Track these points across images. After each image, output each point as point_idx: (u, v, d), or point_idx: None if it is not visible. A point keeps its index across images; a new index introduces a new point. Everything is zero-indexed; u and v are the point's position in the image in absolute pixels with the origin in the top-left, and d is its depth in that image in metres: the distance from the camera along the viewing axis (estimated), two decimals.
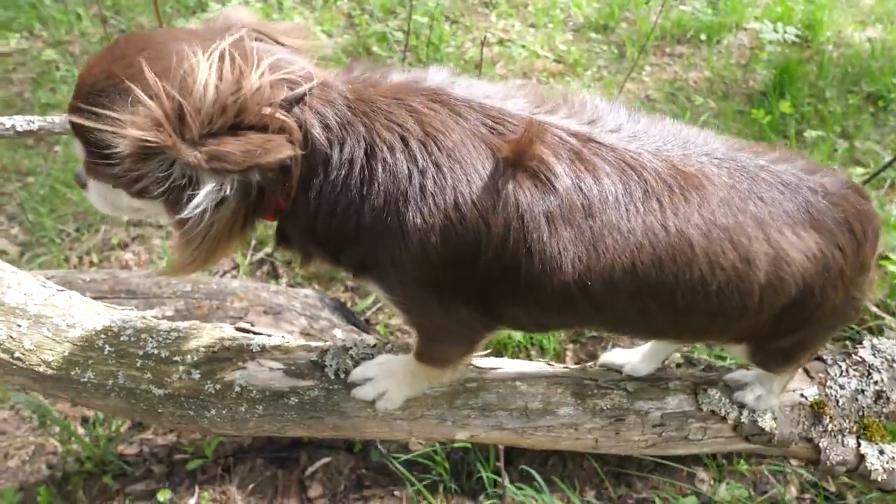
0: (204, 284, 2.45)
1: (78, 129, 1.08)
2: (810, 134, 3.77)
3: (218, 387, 1.46)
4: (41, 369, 1.40)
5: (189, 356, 1.49)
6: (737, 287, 1.20)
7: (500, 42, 4.32)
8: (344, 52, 4.18)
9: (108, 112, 1.02)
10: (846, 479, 2.26)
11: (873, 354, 1.89)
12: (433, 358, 1.46)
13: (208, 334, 1.54)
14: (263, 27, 1.18)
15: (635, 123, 1.21)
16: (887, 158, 3.70)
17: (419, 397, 1.58)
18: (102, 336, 1.46)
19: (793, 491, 2.32)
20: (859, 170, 3.56)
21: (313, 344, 1.57)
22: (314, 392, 1.51)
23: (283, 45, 1.18)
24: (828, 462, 1.79)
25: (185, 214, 1.02)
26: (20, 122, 1.80)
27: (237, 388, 1.46)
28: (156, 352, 1.47)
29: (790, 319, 1.32)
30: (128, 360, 1.46)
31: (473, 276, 1.16)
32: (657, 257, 1.14)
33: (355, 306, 2.87)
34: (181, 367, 1.47)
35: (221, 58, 1.01)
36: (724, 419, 1.75)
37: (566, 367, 1.77)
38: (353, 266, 1.24)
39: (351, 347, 1.57)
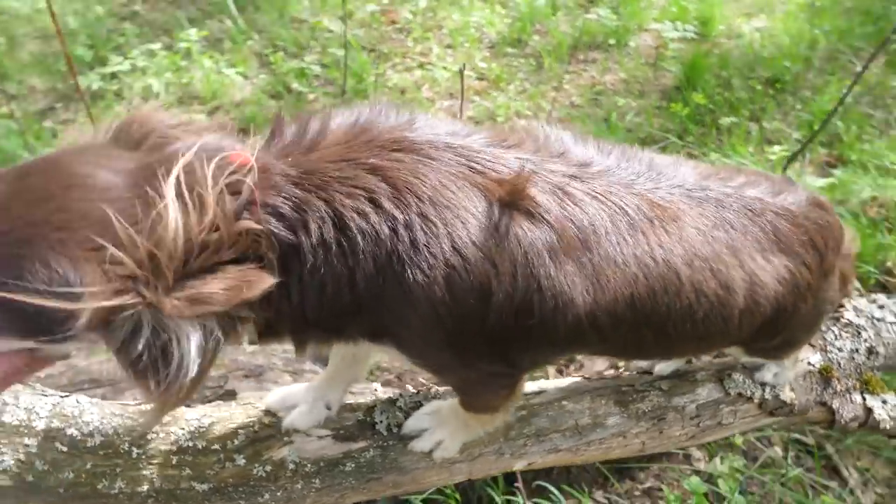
0: None
1: None
2: (724, 121, 4.03)
3: (268, 468, 1.32)
4: (61, 490, 1.20)
5: (228, 441, 1.33)
6: (720, 313, 1.22)
7: (421, 66, 4.32)
8: (263, 92, 4.02)
9: (41, 286, 0.81)
10: (822, 431, 2.41)
11: (857, 315, 2.03)
12: (477, 407, 1.40)
13: (242, 412, 1.38)
14: (184, 126, 1.03)
15: (606, 157, 1.19)
16: (795, 135, 4.04)
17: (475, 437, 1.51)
18: (126, 438, 1.28)
19: (778, 451, 2.42)
20: (776, 148, 3.83)
21: (355, 402, 1.46)
22: (369, 453, 1.40)
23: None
24: (842, 420, 1.89)
25: (172, 377, 0.86)
26: None
27: (290, 465, 1.32)
28: (190, 444, 1.30)
29: (766, 331, 1.39)
30: (160, 459, 1.28)
31: (486, 323, 1.08)
32: (651, 288, 1.14)
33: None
34: (223, 455, 1.31)
35: (179, 192, 0.87)
36: (750, 399, 1.81)
37: (602, 378, 1.75)
38: (364, 335, 1.12)
39: (397, 399, 1.47)
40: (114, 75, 3.65)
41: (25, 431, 1.22)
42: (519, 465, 1.58)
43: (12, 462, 1.18)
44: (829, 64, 4.46)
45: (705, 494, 2.14)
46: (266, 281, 0.89)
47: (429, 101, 4.14)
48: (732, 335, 1.32)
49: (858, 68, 4.46)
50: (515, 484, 2.10)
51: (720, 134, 3.98)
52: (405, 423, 1.44)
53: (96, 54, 3.96)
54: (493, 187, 1.04)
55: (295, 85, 4.07)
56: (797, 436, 2.41)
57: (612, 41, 4.62)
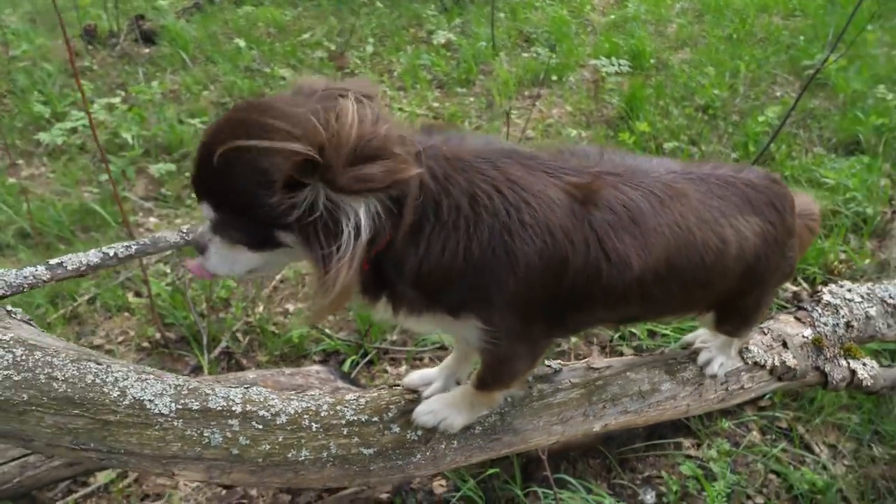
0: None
1: (213, 185, 1.31)
2: (668, 145, 4.82)
3: (419, 433, 1.75)
4: (260, 461, 1.56)
5: (384, 414, 1.75)
6: (720, 261, 1.78)
7: None
8: None
9: (257, 142, 1.23)
10: (794, 414, 3.02)
11: (833, 297, 2.66)
12: (500, 380, 1.78)
13: (388, 392, 1.82)
14: (341, 86, 1.42)
15: (624, 158, 1.79)
16: (732, 155, 4.88)
17: (567, 402, 2.00)
18: (305, 416, 1.67)
19: (756, 435, 2.99)
20: None
21: None
22: (492, 417, 1.86)
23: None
24: (833, 382, 2.50)
25: (343, 249, 1.25)
26: (120, 249, 1.91)
27: (438, 430, 1.75)
28: (355, 418, 1.71)
29: (748, 281, 1.95)
30: (334, 431, 1.68)
31: (562, 288, 1.59)
32: (678, 248, 1.70)
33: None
34: (381, 426, 1.73)
35: (359, 103, 1.27)
36: (763, 367, 2.39)
37: (652, 355, 2.28)
38: (452, 304, 1.55)
39: None
40: (74, 130, 3.91)
41: (228, 414, 1.58)
42: (597, 426, 2.06)
43: (221, 439, 1.54)
44: (752, 90, 5.43)
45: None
46: (414, 168, 1.27)
47: None
48: (727, 280, 1.84)
49: (778, 93, 5.45)
50: (545, 472, 2.53)
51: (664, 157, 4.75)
52: (416, 409, 1.79)
53: (53, 111, 4.20)
54: (571, 189, 1.57)
55: None
56: (777, 414, 3.00)
57: (553, 77, 5.39)
